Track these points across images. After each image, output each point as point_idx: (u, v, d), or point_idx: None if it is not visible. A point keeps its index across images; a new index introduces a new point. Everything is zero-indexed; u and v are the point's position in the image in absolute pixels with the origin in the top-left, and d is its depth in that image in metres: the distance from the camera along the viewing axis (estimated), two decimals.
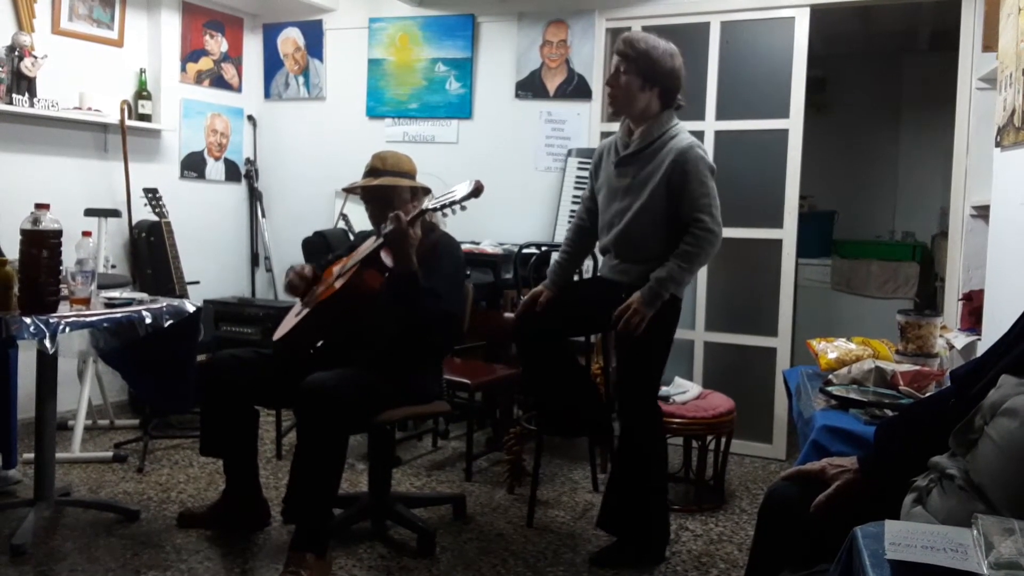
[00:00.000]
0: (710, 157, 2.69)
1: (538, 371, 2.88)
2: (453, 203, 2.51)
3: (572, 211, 4.31)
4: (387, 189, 2.79)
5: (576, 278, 3.46)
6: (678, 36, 2.75)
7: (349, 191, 2.96)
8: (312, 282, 2.91)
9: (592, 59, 4.39)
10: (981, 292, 3.05)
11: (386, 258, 2.70)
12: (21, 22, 3.94)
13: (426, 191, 2.91)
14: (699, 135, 3.99)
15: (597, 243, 2.92)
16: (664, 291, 2.58)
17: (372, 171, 2.84)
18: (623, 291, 2.64)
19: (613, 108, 2.79)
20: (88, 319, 2.61)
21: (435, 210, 2.55)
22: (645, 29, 4.09)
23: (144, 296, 2.98)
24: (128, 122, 4.31)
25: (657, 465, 2.74)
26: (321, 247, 4.05)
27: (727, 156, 4.07)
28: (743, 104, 4.08)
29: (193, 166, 4.90)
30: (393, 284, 2.62)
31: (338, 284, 2.68)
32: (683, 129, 2.71)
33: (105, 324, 2.69)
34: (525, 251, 3.86)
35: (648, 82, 2.66)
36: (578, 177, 4.35)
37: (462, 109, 4.73)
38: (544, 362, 2.84)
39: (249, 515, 2.91)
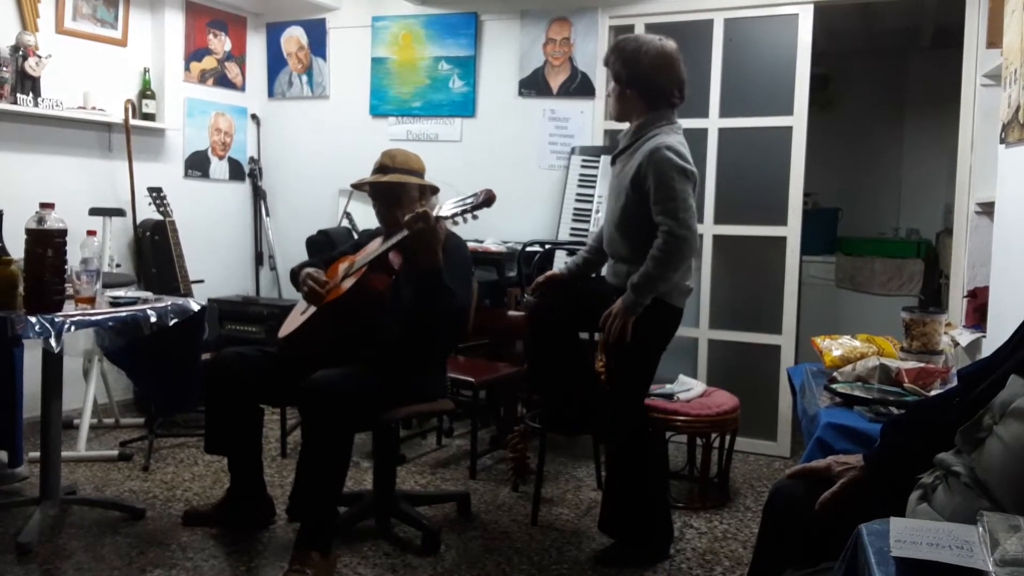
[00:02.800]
0: (689, 158, 2.59)
1: (547, 365, 2.87)
2: (464, 212, 2.51)
3: (576, 209, 4.31)
4: (395, 186, 2.79)
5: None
6: (681, 33, 2.74)
7: (357, 187, 2.97)
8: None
9: (595, 57, 4.38)
10: (986, 289, 3.04)
11: (394, 260, 2.70)
12: (25, 22, 3.95)
13: (434, 190, 2.91)
14: (703, 133, 4.00)
15: None
16: (640, 297, 2.55)
17: (381, 168, 2.85)
18: (614, 293, 2.64)
19: (615, 118, 2.81)
20: (93, 318, 2.62)
21: (447, 218, 2.55)
22: (648, 27, 4.10)
23: (149, 295, 2.99)
24: (132, 121, 4.32)
25: (649, 466, 2.73)
26: (325, 246, 4.05)
27: (731, 154, 4.06)
28: (747, 101, 4.07)
29: (197, 165, 4.91)
30: (418, 281, 2.62)
31: (346, 285, 2.68)
32: (671, 130, 2.64)
33: (110, 323, 2.70)
34: (529, 249, 3.86)
35: (624, 84, 2.66)
36: (581, 175, 4.35)
37: (465, 107, 4.73)
38: (554, 356, 2.83)
39: (254, 513, 2.91)
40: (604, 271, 2.88)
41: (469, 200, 2.51)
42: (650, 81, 2.64)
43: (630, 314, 2.56)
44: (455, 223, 2.58)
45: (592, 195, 4.26)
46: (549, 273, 2.90)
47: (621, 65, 2.65)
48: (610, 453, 2.79)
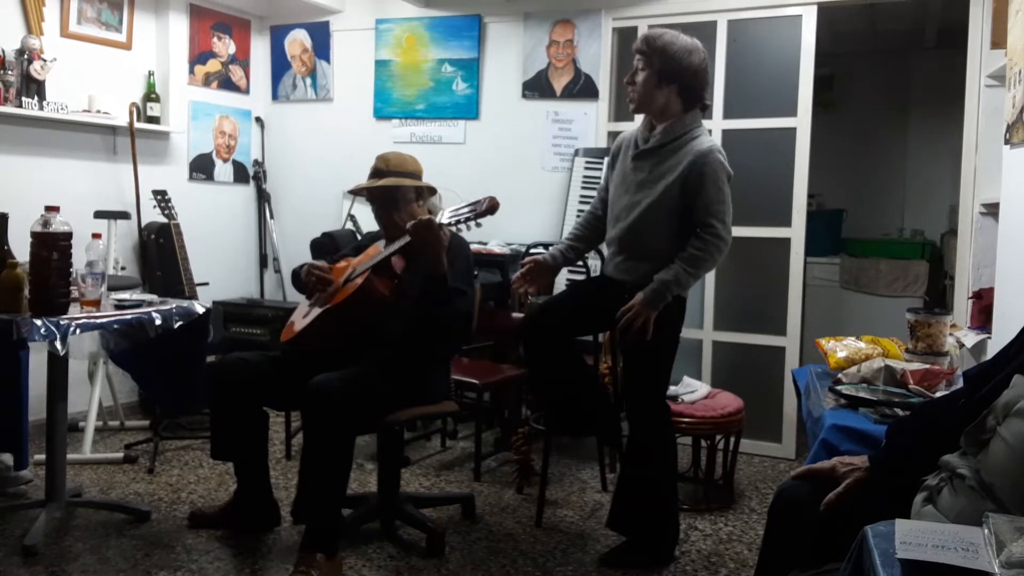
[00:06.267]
0: (727, 162, 2.67)
1: (545, 370, 2.88)
2: (468, 219, 2.52)
3: (580, 211, 4.31)
4: (391, 190, 2.80)
5: (583, 277, 3.46)
6: (685, 34, 2.73)
7: (355, 193, 2.98)
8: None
9: (599, 59, 4.39)
10: (991, 290, 3.03)
11: (396, 265, 2.71)
12: (30, 25, 3.96)
13: (431, 191, 2.91)
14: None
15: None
16: (667, 293, 2.56)
17: (376, 172, 2.85)
18: (626, 290, 2.64)
19: (633, 106, 2.76)
20: (98, 321, 2.63)
21: (449, 226, 2.55)
22: (653, 27, 4.09)
23: (154, 297, 3.00)
24: (137, 124, 4.33)
25: (666, 465, 2.74)
26: (329, 248, 4.06)
27: (735, 155, 4.00)
28: (751, 103, 4.07)
29: (202, 168, 4.92)
30: (422, 286, 2.63)
31: (350, 288, 2.69)
32: (706, 132, 2.68)
33: (115, 326, 2.71)
34: (532, 251, 3.86)
35: (664, 80, 2.62)
36: (585, 177, 4.34)
37: (469, 109, 4.73)
38: (551, 361, 2.84)
39: (260, 516, 2.91)
40: (608, 269, 2.86)
41: (472, 207, 2.51)
42: (694, 81, 2.64)
43: (652, 310, 2.56)
44: (458, 230, 2.59)
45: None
46: (534, 257, 2.89)
47: (668, 60, 2.61)
48: (627, 449, 2.78)
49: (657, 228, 2.65)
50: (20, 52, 3.87)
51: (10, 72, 3.81)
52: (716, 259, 2.60)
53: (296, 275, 2.93)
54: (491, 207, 2.48)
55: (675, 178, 2.59)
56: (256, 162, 5.25)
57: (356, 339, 2.76)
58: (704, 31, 4.07)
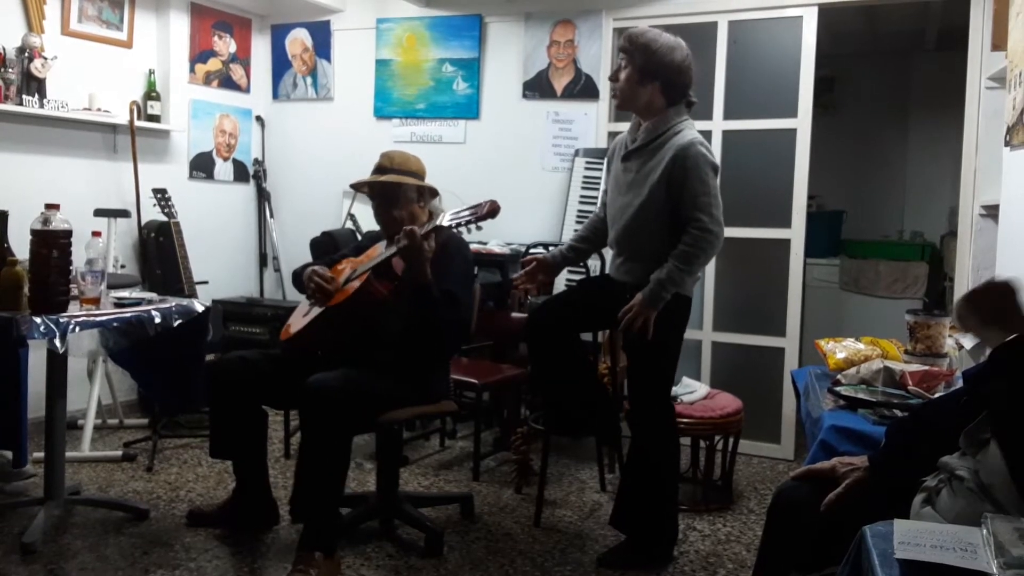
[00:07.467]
0: (716, 155, 2.65)
1: (548, 368, 2.88)
2: (469, 223, 2.51)
3: (580, 211, 4.31)
4: (393, 186, 2.79)
5: (583, 276, 3.46)
6: (685, 35, 2.73)
7: (356, 187, 2.97)
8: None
9: (599, 59, 4.39)
10: None
11: (397, 266, 2.71)
12: (31, 23, 3.96)
13: (433, 192, 2.91)
14: (707, 135, 3.98)
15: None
16: (664, 292, 2.56)
17: (380, 169, 2.85)
18: (628, 291, 2.64)
19: (617, 103, 2.77)
20: (98, 319, 2.63)
21: (450, 228, 2.55)
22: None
23: (153, 296, 3.00)
24: (137, 123, 4.32)
25: (668, 465, 2.74)
26: (329, 247, 4.06)
27: (735, 156, 4.06)
28: (751, 104, 4.07)
29: (202, 167, 4.92)
30: (409, 295, 2.63)
31: (350, 289, 2.69)
32: (690, 127, 2.66)
33: (115, 324, 2.71)
34: (532, 251, 3.87)
35: (647, 76, 2.63)
36: (585, 177, 4.35)
37: (469, 109, 4.73)
38: (554, 359, 2.84)
39: (258, 514, 2.91)
40: (611, 271, 2.87)
41: (473, 210, 2.51)
42: (677, 78, 2.64)
43: (652, 309, 2.56)
44: (459, 232, 2.58)
45: (596, 197, 4.26)
46: (535, 256, 2.90)
47: (650, 56, 2.62)
48: (630, 448, 2.78)
49: (650, 227, 2.64)
50: (21, 50, 3.87)
51: (11, 70, 3.80)
52: (708, 253, 2.58)
53: (297, 275, 2.93)
54: (492, 211, 2.48)
55: (660, 175, 2.58)
56: (256, 161, 5.25)
57: (355, 339, 2.76)
58: (705, 32, 4.08)
